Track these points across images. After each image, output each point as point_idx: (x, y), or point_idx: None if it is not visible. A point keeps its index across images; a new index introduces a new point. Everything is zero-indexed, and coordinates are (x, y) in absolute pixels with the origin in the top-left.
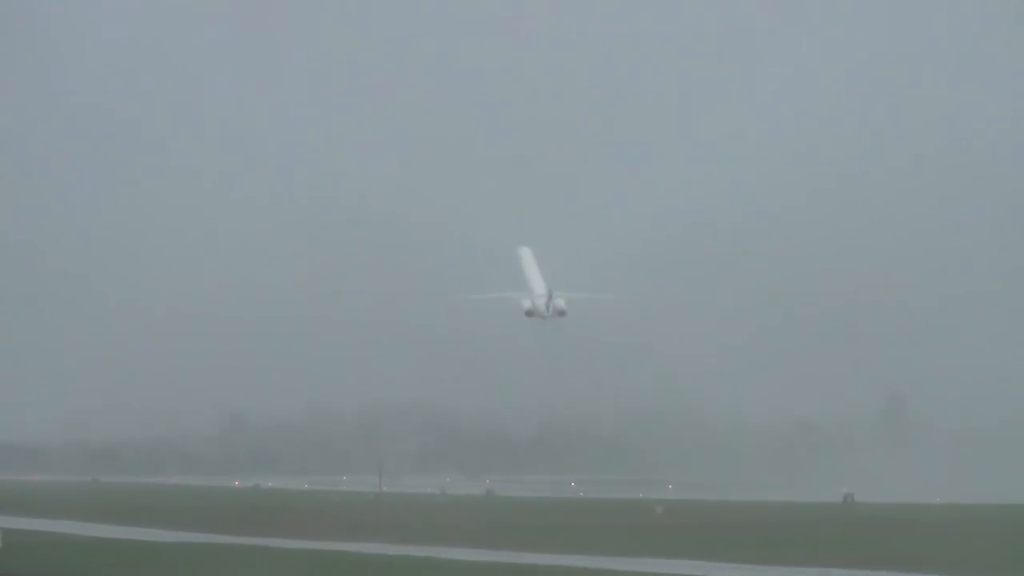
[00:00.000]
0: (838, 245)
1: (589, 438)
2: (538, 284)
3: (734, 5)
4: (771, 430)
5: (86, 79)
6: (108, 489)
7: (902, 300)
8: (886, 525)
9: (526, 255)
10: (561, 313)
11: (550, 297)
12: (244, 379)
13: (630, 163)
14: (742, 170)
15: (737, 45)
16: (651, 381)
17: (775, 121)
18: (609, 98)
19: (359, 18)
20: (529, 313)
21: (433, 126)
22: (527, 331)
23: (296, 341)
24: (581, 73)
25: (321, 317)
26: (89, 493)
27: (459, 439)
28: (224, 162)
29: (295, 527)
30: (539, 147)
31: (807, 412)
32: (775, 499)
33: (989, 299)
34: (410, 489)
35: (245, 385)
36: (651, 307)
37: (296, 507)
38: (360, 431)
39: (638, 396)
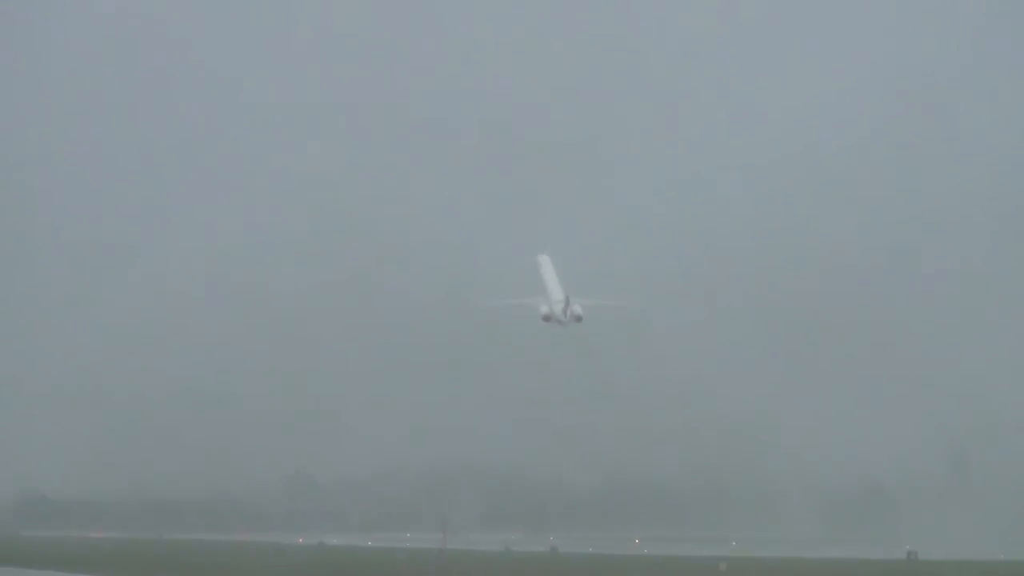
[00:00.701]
0: (894, 296)
1: (653, 493)
2: (556, 290)
3: (739, 7)
4: (834, 485)
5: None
6: (173, 546)
7: (966, 352)
8: None
9: (544, 262)
10: (578, 319)
11: (567, 303)
12: (308, 435)
13: (644, 166)
14: (775, 176)
15: (745, 46)
16: (712, 434)
17: (799, 125)
18: (621, 101)
19: (367, 21)
20: (547, 318)
21: (442, 133)
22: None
23: (356, 396)
24: (591, 76)
25: (368, 359)
26: (153, 550)
27: (523, 495)
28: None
29: None
30: (548, 151)
31: (870, 467)
32: (839, 555)
33: None
34: (474, 546)
35: (309, 441)
36: (680, 326)
37: (361, 563)
38: (424, 487)
39: (700, 450)
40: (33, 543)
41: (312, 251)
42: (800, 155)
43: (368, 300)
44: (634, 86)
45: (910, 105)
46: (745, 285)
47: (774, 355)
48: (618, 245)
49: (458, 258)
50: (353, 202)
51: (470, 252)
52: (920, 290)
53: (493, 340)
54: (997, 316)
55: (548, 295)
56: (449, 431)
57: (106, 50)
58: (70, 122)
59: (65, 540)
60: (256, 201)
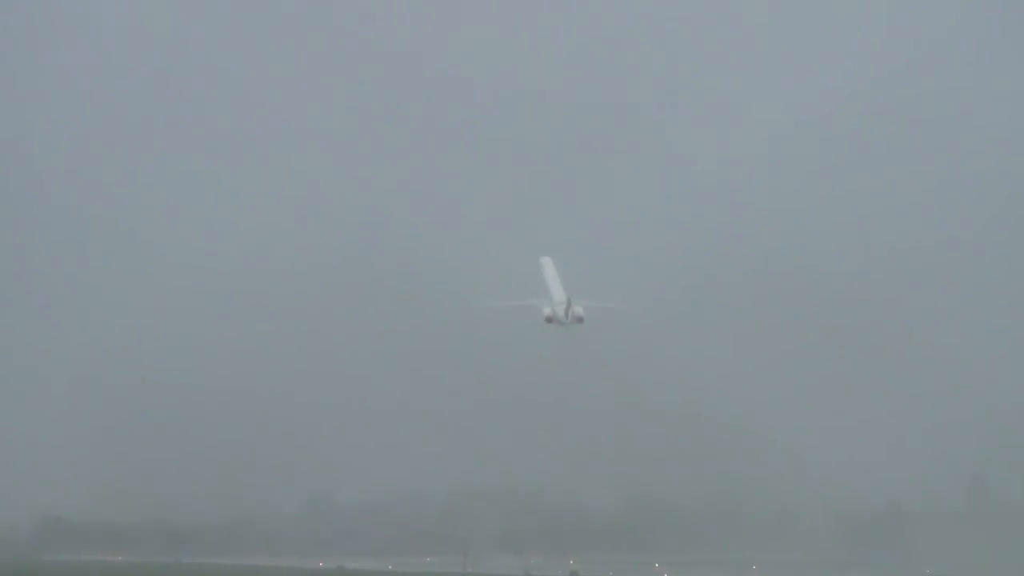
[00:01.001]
0: (916, 311)
1: (672, 515)
2: (558, 292)
3: (742, 10)
4: (854, 507)
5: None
6: (190, 570)
7: (987, 377)
8: None
9: (547, 264)
10: (579, 320)
11: (569, 305)
12: (327, 459)
13: (646, 167)
14: (784, 178)
15: (751, 48)
16: (731, 454)
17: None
18: (622, 103)
19: (370, 27)
20: (549, 320)
21: (444, 136)
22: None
23: (372, 416)
24: (591, 79)
25: (391, 386)
26: (171, 574)
27: (542, 517)
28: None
29: None
30: (548, 154)
31: (891, 489)
32: None
33: None
34: (494, 571)
35: (328, 465)
36: (691, 335)
37: None
38: (443, 510)
39: (719, 471)
40: (53, 567)
41: (326, 266)
42: (804, 157)
43: (375, 306)
44: (636, 87)
45: (910, 104)
46: (760, 296)
47: (793, 372)
48: (622, 246)
49: (464, 260)
50: (363, 215)
51: (475, 253)
52: (941, 307)
53: (501, 351)
54: (1018, 332)
55: (551, 297)
56: (465, 451)
57: (109, 47)
58: (73, 121)
59: (85, 564)
60: (263, 214)
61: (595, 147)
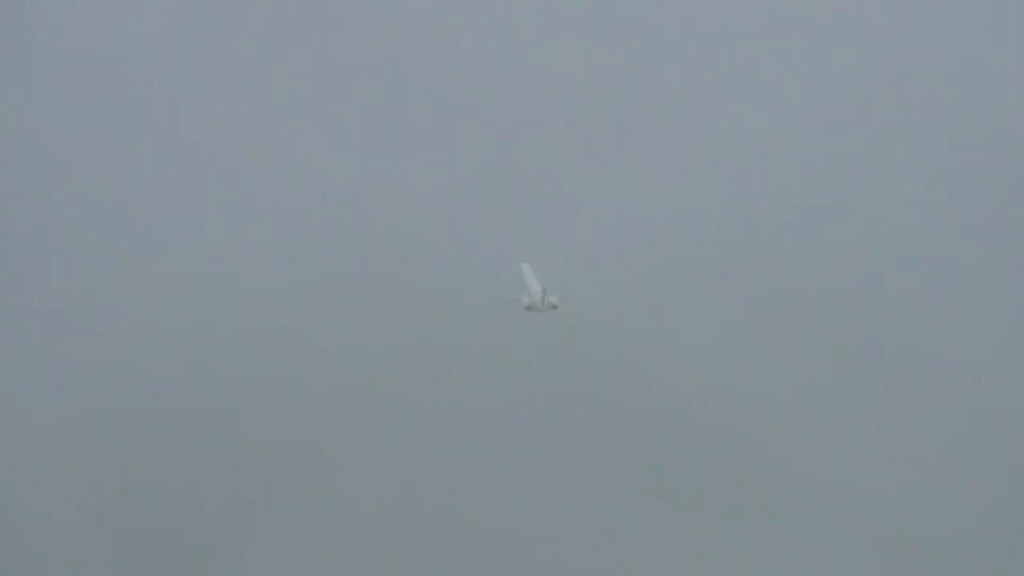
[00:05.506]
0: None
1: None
2: (534, 285)
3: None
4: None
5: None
6: None
7: (995, 376)
8: None
9: (527, 270)
10: (554, 307)
11: (544, 294)
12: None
13: (636, 164)
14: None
15: (741, 42)
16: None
17: (790, 115)
18: (605, 96)
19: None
20: (528, 308)
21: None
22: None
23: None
24: (576, 73)
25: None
26: None
27: None
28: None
29: None
30: (529, 148)
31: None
32: None
33: None
34: None
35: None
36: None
37: None
38: None
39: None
40: None
41: (322, 261)
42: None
43: (381, 315)
44: (635, 79)
45: (913, 99)
46: (756, 289)
47: (792, 368)
48: (607, 239)
49: (449, 253)
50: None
51: (460, 253)
52: (951, 306)
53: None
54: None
55: (529, 290)
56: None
57: (102, 50)
58: (71, 117)
59: None
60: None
61: (583, 141)
